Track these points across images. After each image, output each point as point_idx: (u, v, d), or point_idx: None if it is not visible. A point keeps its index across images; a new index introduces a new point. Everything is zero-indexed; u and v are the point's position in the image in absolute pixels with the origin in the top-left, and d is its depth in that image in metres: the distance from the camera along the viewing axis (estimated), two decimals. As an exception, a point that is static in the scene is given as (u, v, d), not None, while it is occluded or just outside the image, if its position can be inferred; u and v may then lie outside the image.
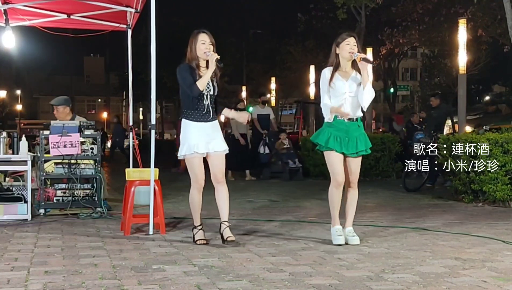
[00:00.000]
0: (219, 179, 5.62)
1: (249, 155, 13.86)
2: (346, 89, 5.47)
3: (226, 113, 5.87)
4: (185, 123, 5.62)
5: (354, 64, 5.56)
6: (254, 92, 35.50)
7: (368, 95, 5.45)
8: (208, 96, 5.60)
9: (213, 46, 5.56)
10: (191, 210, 5.69)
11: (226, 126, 14.53)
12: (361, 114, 5.60)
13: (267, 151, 14.17)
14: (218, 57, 5.50)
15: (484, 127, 13.28)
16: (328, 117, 5.51)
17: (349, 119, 5.49)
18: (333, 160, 5.49)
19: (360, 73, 5.51)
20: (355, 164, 5.56)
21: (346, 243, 5.50)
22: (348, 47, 5.46)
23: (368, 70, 5.50)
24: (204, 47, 5.53)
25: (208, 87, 5.58)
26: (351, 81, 5.50)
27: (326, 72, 5.53)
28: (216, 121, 5.72)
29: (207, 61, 5.56)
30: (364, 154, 5.57)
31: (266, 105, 15.01)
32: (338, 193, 5.52)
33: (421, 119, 15.68)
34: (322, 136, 5.52)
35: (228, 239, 5.48)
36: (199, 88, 5.47)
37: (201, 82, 5.48)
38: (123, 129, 23.44)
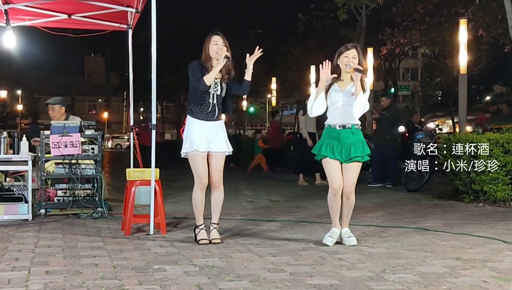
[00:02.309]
0: (216, 181, 5.63)
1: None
2: (339, 98, 5.55)
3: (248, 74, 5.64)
4: (189, 120, 5.65)
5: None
6: (254, 92, 35.49)
7: (359, 106, 5.46)
8: (215, 96, 5.61)
9: (227, 48, 5.58)
10: (194, 210, 5.68)
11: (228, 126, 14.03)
12: (357, 122, 5.57)
13: None
14: (228, 54, 5.54)
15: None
16: (311, 103, 5.56)
17: (342, 126, 5.53)
18: (330, 167, 5.55)
19: None
20: (350, 170, 5.54)
21: (342, 243, 5.51)
22: (346, 59, 5.54)
23: (365, 81, 5.53)
24: (216, 47, 5.58)
25: (215, 86, 5.60)
26: (346, 91, 5.58)
27: (325, 82, 5.54)
28: (221, 121, 5.72)
29: None
30: (360, 160, 5.55)
31: None
32: (336, 200, 5.55)
33: (374, 121, 15.01)
34: (317, 146, 5.68)
35: (213, 241, 5.56)
36: (206, 82, 5.49)
37: (208, 77, 5.50)
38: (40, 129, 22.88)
